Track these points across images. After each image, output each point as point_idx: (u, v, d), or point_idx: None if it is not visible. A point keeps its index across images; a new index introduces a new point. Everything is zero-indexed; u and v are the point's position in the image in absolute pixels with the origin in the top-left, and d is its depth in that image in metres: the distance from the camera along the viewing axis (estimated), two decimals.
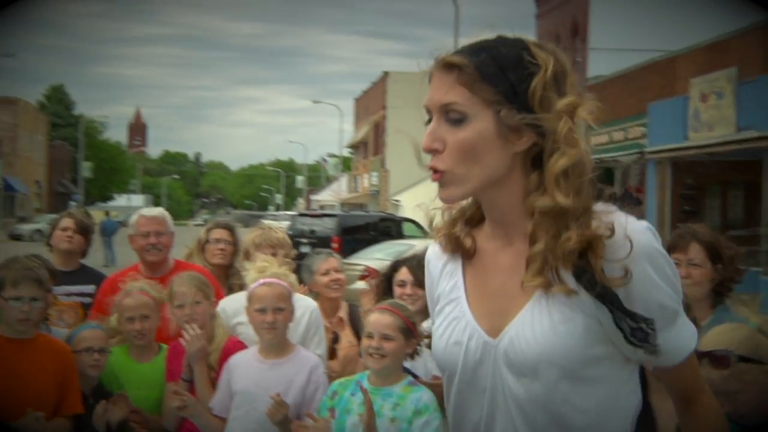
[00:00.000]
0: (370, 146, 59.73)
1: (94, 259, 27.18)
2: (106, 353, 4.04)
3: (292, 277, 4.13)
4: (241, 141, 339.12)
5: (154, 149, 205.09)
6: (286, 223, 24.69)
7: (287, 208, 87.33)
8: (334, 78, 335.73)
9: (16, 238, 46.43)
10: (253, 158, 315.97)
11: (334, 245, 19.70)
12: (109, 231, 31.49)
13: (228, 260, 5.46)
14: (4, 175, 59.59)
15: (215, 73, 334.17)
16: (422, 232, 31.91)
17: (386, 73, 55.40)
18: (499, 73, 1.66)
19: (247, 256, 4.85)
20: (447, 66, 1.69)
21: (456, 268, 1.86)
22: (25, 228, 50.02)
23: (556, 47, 1.73)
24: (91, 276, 5.28)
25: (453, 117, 1.68)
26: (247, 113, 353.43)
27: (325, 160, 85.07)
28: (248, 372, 3.82)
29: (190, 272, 4.44)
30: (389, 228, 23.32)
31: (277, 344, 3.86)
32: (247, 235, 5.10)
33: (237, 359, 3.92)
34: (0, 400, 3.64)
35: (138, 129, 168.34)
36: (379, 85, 56.71)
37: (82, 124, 76.20)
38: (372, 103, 58.80)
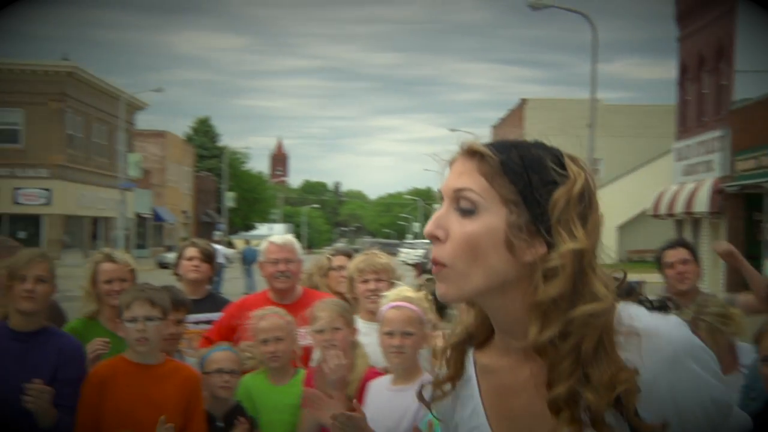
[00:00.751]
0: None
1: (235, 286, 27.87)
2: (237, 376, 4.08)
3: (427, 304, 4.03)
4: (379, 170, 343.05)
5: (294, 179, 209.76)
6: (422, 251, 24.68)
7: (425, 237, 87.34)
8: (471, 106, 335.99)
9: (164, 266, 48.13)
10: (391, 187, 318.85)
11: None
12: (249, 259, 32.18)
13: None
14: (154, 206, 62.07)
15: (354, 103, 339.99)
16: None
17: (524, 100, 55.05)
18: (522, 173, 1.52)
19: (352, 282, 4.80)
20: (471, 152, 1.56)
21: (471, 390, 1.66)
22: (172, 257, 51.71)
23: (588, 167, 1.57)
24: (219, 303, 5.35)
25: (464, 206, 1.53)
26: (385, 142, 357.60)
27: None
28: (376, 397, 3.77)
29: (332, 299, 4.47)
30: None
31: (405, 369, 3.77)
32: (351, 262, 5.06)
33: (372, 384, 3.90)
34: (126, 423, 3.69)
35: (279, 159, 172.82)
36: (517, 112, 56.39)
37: (226, 155, 78.70)
38: (509, 131, 57.83)
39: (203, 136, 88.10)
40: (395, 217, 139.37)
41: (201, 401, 3.95)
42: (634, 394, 1.44)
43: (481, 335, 1.66)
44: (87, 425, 3.75)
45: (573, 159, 1.56)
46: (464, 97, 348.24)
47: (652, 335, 1.47)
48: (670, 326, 1.50)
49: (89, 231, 50.86)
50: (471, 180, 1.52)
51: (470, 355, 1.67)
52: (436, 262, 1.53)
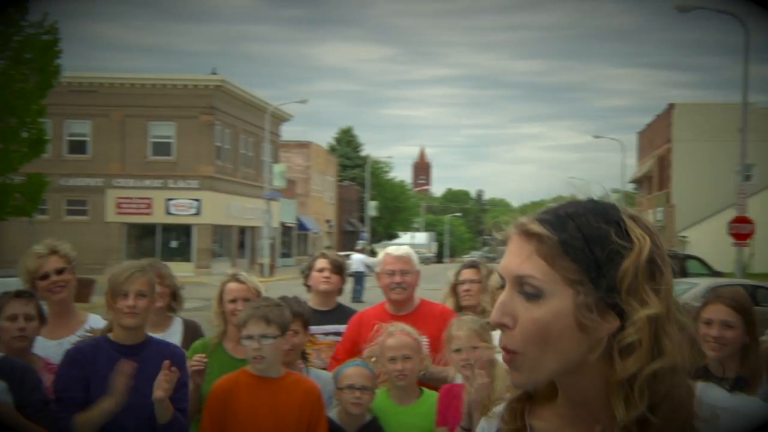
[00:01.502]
0: (654, 181, 57.76)
1: (377, 295, 28.09)
2: (369, 392, 4.00)
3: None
4: (522, 177, 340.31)
5: (437, 187, 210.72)
6: None
7: None
8: (616, 112, 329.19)
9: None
10: (534, 195, 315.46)
11: None
12: None
13: (475, 300, 5.28)
14: (298, 215, 63.41)
15: (497, 111, 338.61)
16: (708, 270, 30.21)
17: (672, 105, 53.37)
18: (584, 249, 1.43)
19: (493, 294, 4.67)
20: (527, 234, 1.47)
21: None
22: None
23: (652, 226, 1.50)
24: (348, 315, 5.30)
25: (528, 291, 1.45)
26: (528, 150, 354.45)
27: (608, 196, 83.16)
28: None
29: (471, 316, 4.36)
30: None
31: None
32: (494, 276, 4.92)
33: None
34: None
35: (422, 168, 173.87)
36: (664, 118, 54.71)
37: (369, 164, 79.67)
38: (656, 136, 56.85)
39: (346, 145, 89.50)
40: None
41: (323, 414, 3.92)
42: None
43: (542, 397, 1.58)
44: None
45: (635, 219, 1.49)
46: (609, 103, 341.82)
47: (732, 416, 1.44)
48: (750, 407, 1.47)
49: (237, 240, 52.38)
50: (531, 265, 1.45)
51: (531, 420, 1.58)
52: (506, 350, 1.46)
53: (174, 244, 48.04)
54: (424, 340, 4.35)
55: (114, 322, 3.90)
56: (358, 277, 33.44)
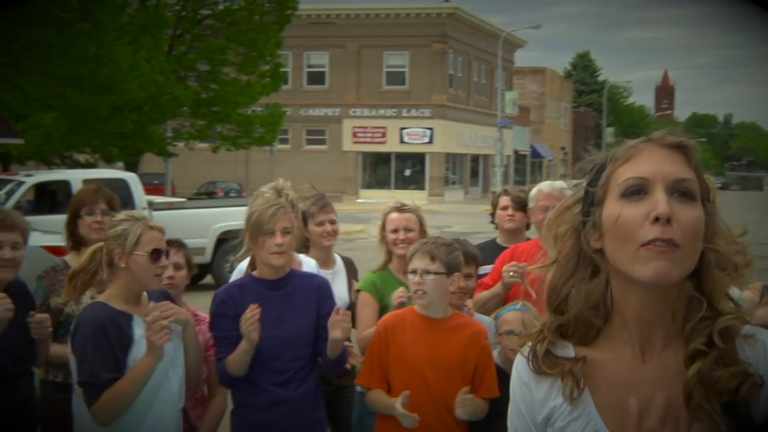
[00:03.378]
0: None
1: None
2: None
3: None
4: None
5: (681, 112, 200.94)
6: None
7: None
8: None
9: None
10: None
11: None
12: None
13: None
14: (532, 143, 62.71)
15: (749, 29, 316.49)
16: None
17: None
18: (700, 168, 1.67)
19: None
20: (678, 146, 1.65)
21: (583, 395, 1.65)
22: None
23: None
24: None
25: (686, 193, 1.61)
26: None
27: None
28: None
29: None
30: None
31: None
32: None
33: None
34: (411, 374, 3.69)
35: (665, 92, 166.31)
36: None
37: (606, 89, 77.17)
38: None
39: (583, 71, 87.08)
40: None
41: (491, 358, 3.85)
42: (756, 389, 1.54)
43: (580, 330, 1.68)
44: (374, 371, 3.81)
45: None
46: None
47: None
48: None
49: (469, 168, 52.63)
50: (688, 172, 1.62)
51: (569, 347, 1.68)
52: (671, 243, 1.55)
53: (408, 172, 48.96)
54: None
55: (259, 260, 3.93)
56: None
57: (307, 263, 4.58)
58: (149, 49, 22.85)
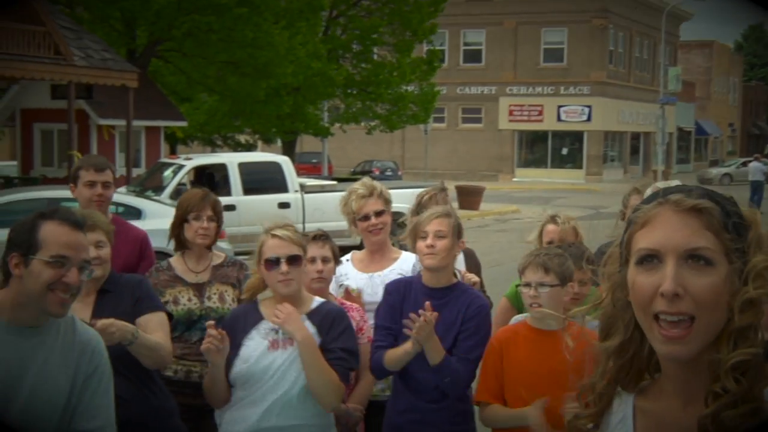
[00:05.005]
0: None
1: None
2: None
3: None
4: None
5: None
6: None
7: None
8: None
9: (706, 182, 46.89)
10: None
11: None
12: None
13: None
14: (697, 119, 60.39)
15: None
16: None
17: None
18: (729, 222, 1.58)
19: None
20: (694, 210, 1.58)
21: (626, 429, 1.69)
22: (714, 172, 50.21)
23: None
24: None
25: (697, 262, 1.55)
26: None
27: None
28: None
29: None
30: None
31: None
32: None
33: None
34: (526, 389, 3.62)
35: None
36: None
37: None
38: None
39: (755, 43, 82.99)
40: None
41: None
42: None
43: (634, 377, 1.69)
44: (491, 386, 3.76)
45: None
46: None
47: None
48: None
49: (629, 146, 51.22)
50: (703, 238, 1.56)
51: (629, 398, 1.70)
52: (682, 315, 1.53)
53: (565, 151, 48.14)
54: None
55: (422, 265, 3.96)
56: (755, 186, 31.30)
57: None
58: (305, 33, 23.32)
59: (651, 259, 1.57)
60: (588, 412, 1.74)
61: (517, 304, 4.48)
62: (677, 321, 1.53)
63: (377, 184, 4.72)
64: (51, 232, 2.69)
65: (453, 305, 3.84)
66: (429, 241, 3.81)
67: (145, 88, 21.56)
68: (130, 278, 3.97)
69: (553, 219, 4.71)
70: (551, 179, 45.35)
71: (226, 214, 17.17)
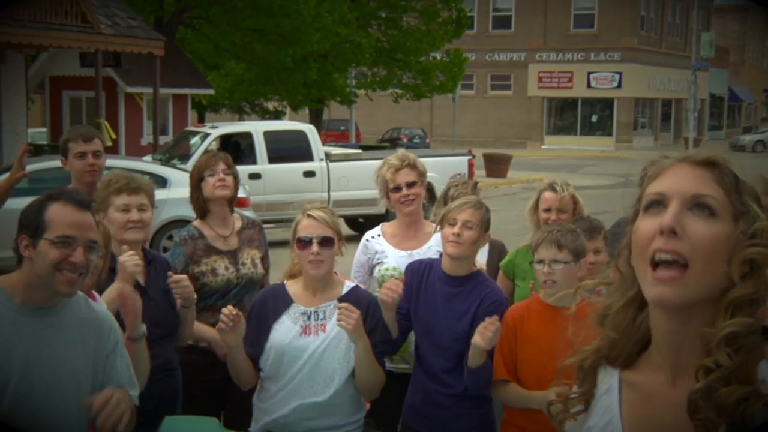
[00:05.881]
0: None
1: None
2: None
3: None
4: None
5: None
6: None
7: None
8: None
9: (738, 148, 46.31)
10: None
11: None
12: None
13: None
14: (730, 85, 59.58)
15: None
16: None
17: None
18: (740, 190, 1.58)
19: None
20: (707, 163, 1.60)
21: (611, 401, 1.68)
22: (747, 138, 49.55)
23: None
24: None
25: (702, 210, 1.55)
26: None
27: None
28: None
29: None
30: None
31: None
32: None
33: None
34: (539, 366, 3.61)
35: None
36: None
37: None
38: None
39: None
40: None
41: None
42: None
43: (623, 354, 1.69)
44: (507, 363, 3.74)
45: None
46: None
47: None
48: None
49: (660, 113, 50.68)
50: (712, 188, 1.57)
51: (615, 371, 1.70)
52: (676, 256, 1.51)
53: (594, 118, 47.73)
54: None
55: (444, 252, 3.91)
56: None
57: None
58: (332, 0, 23.22)
59: (657, 204, 1.57)
60: (576, 392, 1.73)
61: (510, 275, 4.43)
62: (671, 262, 1.52)
63: (411, 155, 4.65)
64: (56, 213, 2.72)
65: (467, 295, 3.82)
66: (456, 229, 3.76)
67: (173, 56, 21.60)
68: (160, 257, 4.11)
69: (551, 186, 4.58)
70: (580, 147, 45.00)
71: (251, 183, 17.18)
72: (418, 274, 3.91)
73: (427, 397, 3.85)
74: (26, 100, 21.39)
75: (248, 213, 12.85)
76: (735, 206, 1.56)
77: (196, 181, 4.52)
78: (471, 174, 16.55)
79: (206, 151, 16.02)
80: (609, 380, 1.69)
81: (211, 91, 24.40)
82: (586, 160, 38.87)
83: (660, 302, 1.54)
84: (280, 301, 3.67)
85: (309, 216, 3.64)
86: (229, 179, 4.48)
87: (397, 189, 4.48)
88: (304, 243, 3.60)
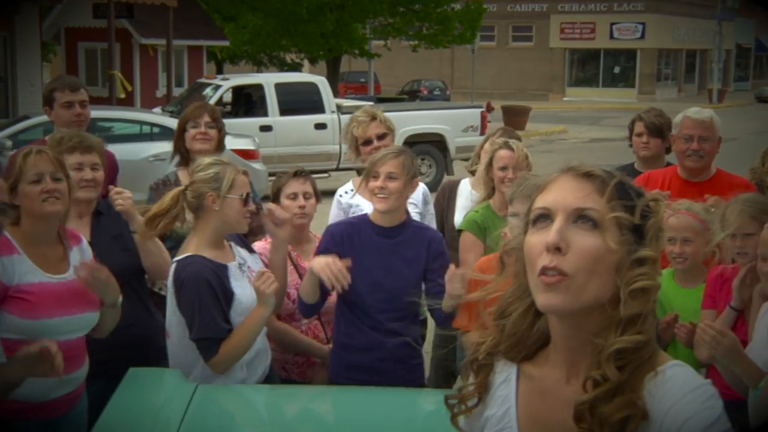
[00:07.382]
0: None
1: None
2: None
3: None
4: None
5: None
6: None
7: None
8: None
9: (764, 99, 45.72)
10: None
11: None
12: None
13: None
14: (757, 36, 58.61)
15: None
16: None
17: None
18: (630, 198, 1.62)
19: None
20: (587, 175, 1.65)
21: (509, 391, 1.73)
22: None
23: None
24: None
25: (585, 223, 1.60)
26: None
27: None
28: None
29: (750, 195, 3.83)
30: None
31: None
32: None
33: None
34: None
35: None
36: None
37: None
38: None
39: None
40: None
41: None
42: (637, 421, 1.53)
43: (521, 353, 1.72)
44: (473, 314, 3.74)
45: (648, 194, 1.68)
46: None
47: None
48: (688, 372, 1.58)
49: (684, 64, 50.01)
50: (592, 200, 1.61)
51: (513, 364, 1.74)
52: (559, 272, 1.57)
53: (617, 69, 47.19)
54: None
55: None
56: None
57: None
58: None
59: (544, 219, 1.62)
60: (472, 384, 1.77)
61: (479, 233, 4.37)
62: (556, 277, 1.57)
63: (378, 110, 4.69)
64: None
65: (410, 242, 3.79)
66: (380, 182, 3.70)
67: (188, 7, 21.51)
68: (108, 208, 3.94)
69: (506, 144, 4.50)
70: (602, 98, 44.56)
71: (262, 135, 17.19)
72: (344, 235, 3.81)
73: (381, 352, 3.79)
74: (41, 51, 21.39)
75: (263, 172, 12.84)
76: (619, 217, 1.60)
77: (180, 131, 4.53)
78: (484, 127, 16.43)
79: (235, 108, 16.07)
80: (508, 370, 1.74)
81: (227, 43, 24.30)
82: (608, 113, 38.50)
83: (549, 309, 1.60)
84: (220, 271, 3.54)
85: (242, 173, 3.61)
86: (213, 132, 4.47)
87: (368, 142, 4.54)
88: (248, 198, 3.57)
